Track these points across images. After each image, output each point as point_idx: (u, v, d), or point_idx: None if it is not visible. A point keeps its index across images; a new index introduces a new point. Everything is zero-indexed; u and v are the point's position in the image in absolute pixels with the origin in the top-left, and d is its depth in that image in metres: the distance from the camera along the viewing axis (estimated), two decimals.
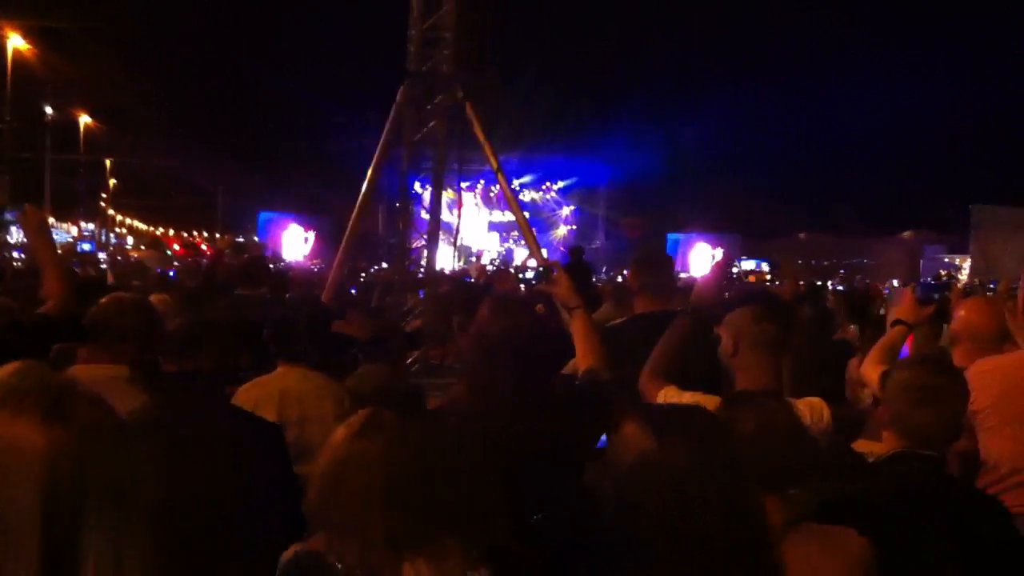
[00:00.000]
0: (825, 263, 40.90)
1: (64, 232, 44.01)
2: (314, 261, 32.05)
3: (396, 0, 12.46)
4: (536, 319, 3.08)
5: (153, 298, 6.40)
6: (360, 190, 11.97)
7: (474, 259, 29.60)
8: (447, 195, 15.94)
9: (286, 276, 10.51)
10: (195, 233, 57.31)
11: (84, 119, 45.00)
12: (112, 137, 48.21)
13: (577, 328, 3.55)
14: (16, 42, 32.97)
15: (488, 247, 38.15)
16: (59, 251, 5.76)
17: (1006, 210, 38.71)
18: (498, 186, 21.48)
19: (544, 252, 13.95)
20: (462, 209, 18.51)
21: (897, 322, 4.39)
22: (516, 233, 33.58)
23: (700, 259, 33.71)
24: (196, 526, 1.54)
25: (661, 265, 4.90)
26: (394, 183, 13.52)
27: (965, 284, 24.58)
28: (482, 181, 33.84)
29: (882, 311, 8.30)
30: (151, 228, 64.07)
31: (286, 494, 3.29)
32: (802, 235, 45.53)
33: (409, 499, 2.15)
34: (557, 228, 40.82)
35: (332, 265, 12.28)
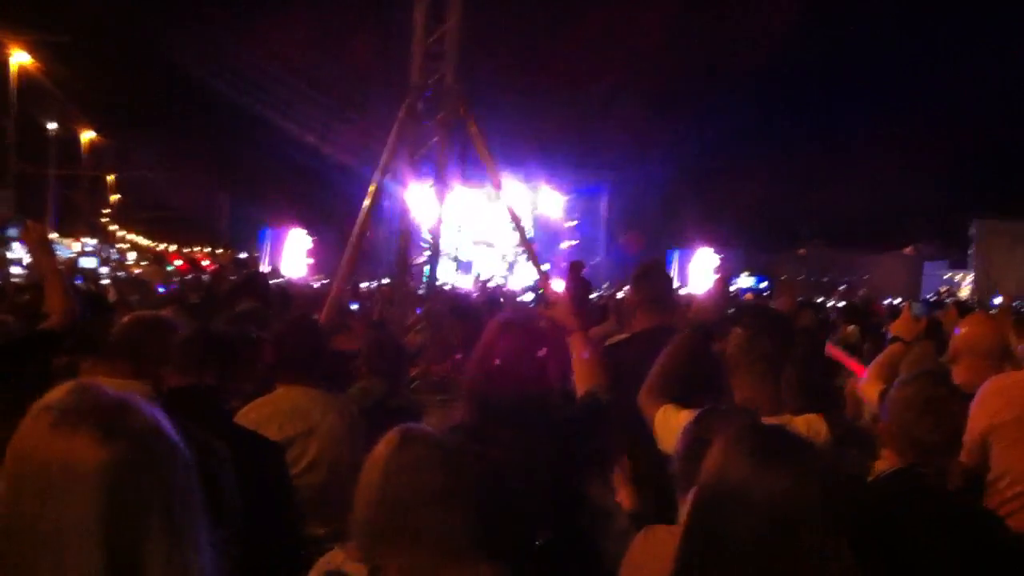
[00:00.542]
0: (825, 279, 40.88)
1: (66, 247, 44.04)
2: (315, 276, 32.11)
3: (399, 15, 12.48)
4: (539, 343, 3.09)
5: None
6: (362, 205, 11.98)
7: (474, 275, 29.62)
8: (449, 209, 15.96)
9: (287, 292, 10.53)
10: (196, 248, 57.40)
11: (87, 134, 45.15)
12: (115, 152, 48.37)
13: (575, 350, 3.57)
14: (20, 58, 33.11)
15: (488, 263, 38.21)
16: (61, 266, 5.77)
17: (1008, 224, 38.70)
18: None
19: (545, 267, 13.94)
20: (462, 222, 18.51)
21: (894, 339, 4.42)
22: (519, 248, 33.62)
23: (700, 273, 33.73)
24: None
25: (660, 280, 4.90)
26: (396, 198, 13.54)
27: (967, 299, 24.58)
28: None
29: (883, 329, 8.33)
30: (153, 243, 64.16)
31: (283, 513, 3.30)
32: (802, 251, 45.54)
33: (461, 506, 2.19)
34: (559, 243, 40.88)
35: (333, 280, 12.30)
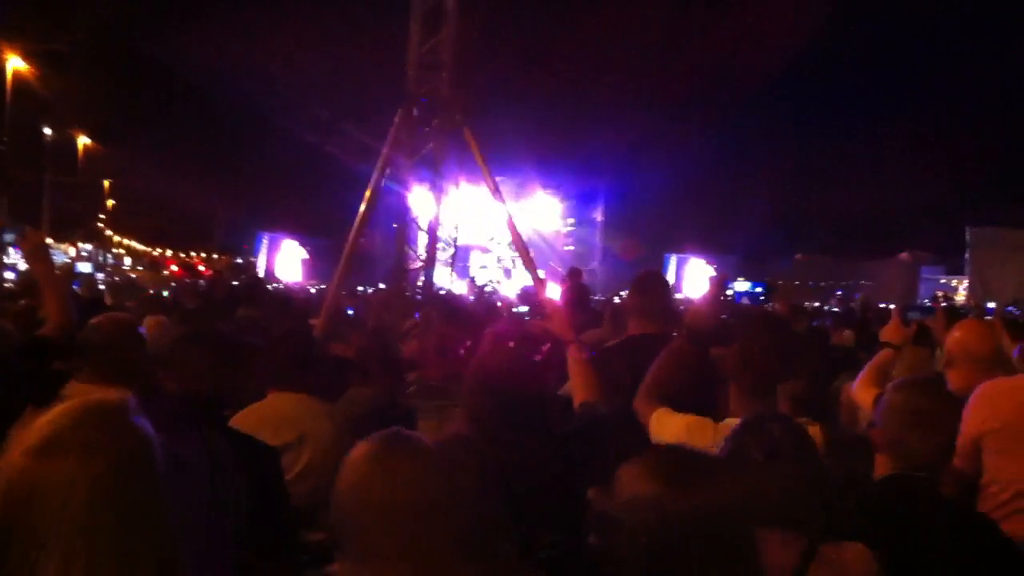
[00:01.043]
0: (823, 284, 40.92)
1: (62, 253, 43.98)
2: (311, 282, 32.08)
3: (395, 24, 12.53)
4: (536, 354, 3.10)
5: (150, 320, 6.43)
6: (358, 211, 12.01)
7: (472, 278, 29.60)
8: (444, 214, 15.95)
9: (286, 297, 10.53)
10: (192, 254, 57.33)
11: (83, 140, 45.12)
12: (110, 158, 48.35)
13: (572, 361, 3.59)
14: (15, 63, 33.10)
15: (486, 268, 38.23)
16: (57, 272, 5.78)
17: (1004, 232, 38.72)
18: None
19: (542, 273, 13.95)
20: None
21: (884, 344, 4.46)
22: (515, 255, 33.60)
23: (696, 280, 33.73)
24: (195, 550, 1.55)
25: (658, 288, 4.92)
26: (392, 204, 13.57)
27: (962, 305, 24.60)
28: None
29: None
30: (149, 249, 64.09)
31: (280, 518, 3.31)
32: (799, 256, 45.55)
33: (433, 516, 2.10)
34: (555, 249, 40.85)
35: (330, 286, 12.31)
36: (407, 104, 12.01)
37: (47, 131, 39.92)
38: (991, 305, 23.02)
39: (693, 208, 44.93)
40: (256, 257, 40.95)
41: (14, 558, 1.42)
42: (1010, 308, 22.10)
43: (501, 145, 27.98)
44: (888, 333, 4.62)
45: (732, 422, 3.30)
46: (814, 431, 3.38)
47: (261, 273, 34.81)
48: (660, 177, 39.64)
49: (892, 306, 11.18)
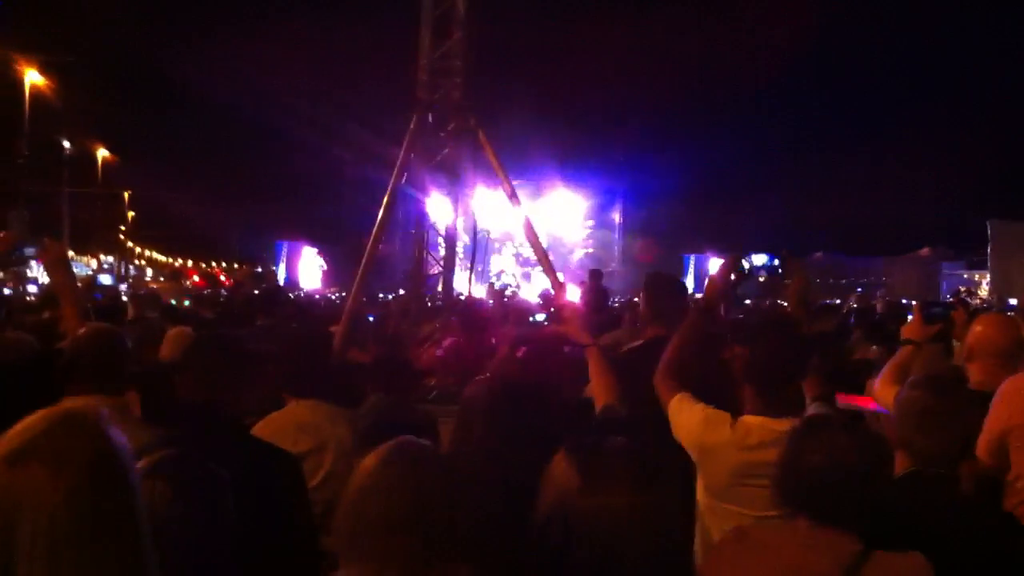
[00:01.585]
0: (843, 281, 40.69)
1: (84, 265, 44.28)
2: (331, 289, 32.17)
3: (406, 31, 12.56)
4: (557, 360, 3.10)
5: (174, 331, 6.45)
6: (376, 218, 12.04)
7: (492, 282, 29.59)
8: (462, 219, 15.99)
9: (306, 306, 10.55)
10: (213, 264, 57.62)
11: (102, 152, 45.43)
12: (130, 170, 48.65)
13: (591, 364, 3.59)
14: (33, 77, 33.36)
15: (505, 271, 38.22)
16: (79, 284, 5.81)
17: (1023, 225, 38.36)
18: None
19: (560, 276, 13.92)
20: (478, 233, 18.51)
21: (905, 341, 4.45)
22: (534, 257, 33.58)
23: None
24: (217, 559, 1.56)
25: (673, 291, 4.91)
26: (410, 210, 13.59)
27: (982, 301, 24.40)
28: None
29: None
30: (170, 259, 64.47)
31: (302, 525, 3.31)
32: (819, 254, 45.32)
33: (431, 528, 2.10)
34: (573, 252, 40.80)
35: (349, 293, 12.33)
36: (421, 110, 12.04)
37: (66, 144, 40.20)
38: (1013, 302, 22.83)
39: (711, 208, 44.88)
40: (276, 266, 41.11)
41: None
42: None
43: (519, 148, 28.04)
44: (909, 330, 4.61)
45: (749, 419, 3.30)
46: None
47: (282, 281, 34.97)
48: (678, 178, 39.63)
49: (913, 302, 11.07)
